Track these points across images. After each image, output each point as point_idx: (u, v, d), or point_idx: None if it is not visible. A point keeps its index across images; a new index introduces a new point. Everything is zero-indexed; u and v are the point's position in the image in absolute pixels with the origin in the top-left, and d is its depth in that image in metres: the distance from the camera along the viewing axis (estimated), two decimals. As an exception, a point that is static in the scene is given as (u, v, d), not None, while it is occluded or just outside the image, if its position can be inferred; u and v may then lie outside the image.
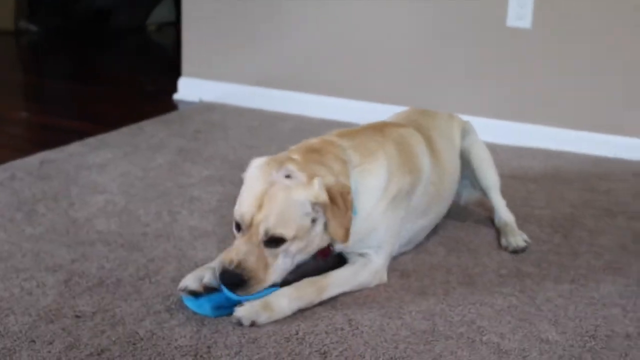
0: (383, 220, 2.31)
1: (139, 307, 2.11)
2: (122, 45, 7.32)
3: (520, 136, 4.05)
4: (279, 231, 2.04)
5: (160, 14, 8.14)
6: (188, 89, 4.86)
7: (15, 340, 1.91)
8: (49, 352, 1.87)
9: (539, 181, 3.43)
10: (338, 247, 2.26)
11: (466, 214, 2.95)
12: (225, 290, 2.05)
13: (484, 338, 2.03)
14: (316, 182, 2.09)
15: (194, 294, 2.09)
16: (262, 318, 2.03)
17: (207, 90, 4.79)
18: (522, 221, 2.86)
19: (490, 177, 2.84)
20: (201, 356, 1.88)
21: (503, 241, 2.67)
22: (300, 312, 2.10)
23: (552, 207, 3.09)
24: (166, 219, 2.77)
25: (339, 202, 2.11)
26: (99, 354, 1.87)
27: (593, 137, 3.96)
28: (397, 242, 2.42)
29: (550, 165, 3.69)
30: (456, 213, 2.92)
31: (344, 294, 2.23)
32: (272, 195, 2.06)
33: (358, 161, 2.29)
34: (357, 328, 2.05)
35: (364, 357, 1.91)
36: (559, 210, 3.06)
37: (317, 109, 4.40)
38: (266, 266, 2.06)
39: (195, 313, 2.07)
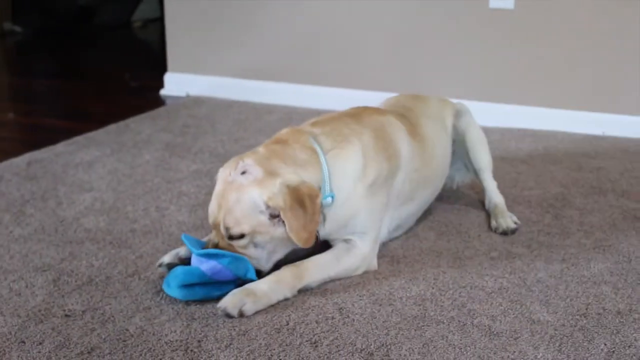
0: (363, 206, 2.29)
1: (128, 304, 2.10)
2: (107, 42, 7.29)
3: (508, 117, 4.05)
4: (235, 230, 2.09)
5: (145, 10, 8.12)
6: (174, 84, 4.85)
7: (4, 342, 1.90)
8: (39, 352, 1.86)
9: (528, 162, 3.43)
10: (322, 233, 2.25)
11: (456, 197, 2.95)
12: (195, 257, 2.09)
13: (475, 321, 2.03)
14: (277, 183, 2.08)
15: (170, 267, 2.18)
16: (248, 305, 2.03)
17: (193, 84, 4.78)
18: (512, 202, 2.86)
19: (483, 158, 2.83)
20: (192, 350, 1.87)
21: (493, 223, 2.66)
22: (291, 303, 2.10)
23: (541, 187, 3.08)
24: (154, 215, 2.76)
25: (306, 204, 2.09)
26: (89, 352, 1.86)
27: (581, 115, 3.96)
28: (381, 228, 2.40)
29: (539, 146, 3.69)
30: (446, 196, 2.92)
31: (333, 282, 2.22)
32: (227, 194, 2.11)
33: (330, 146, 2.27)
34: (348, 316, 2.04)
35: (355, 345, 1.90)
36: (549, 190, 3.06)
37: (305, 98, 4.39)
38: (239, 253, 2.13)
39: (185, 307, 2.06)
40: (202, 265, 2.07)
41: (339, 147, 2.28)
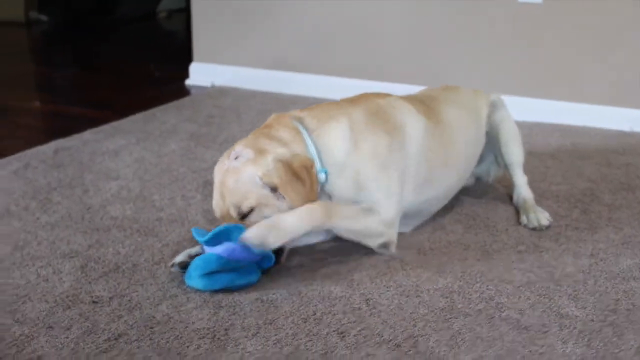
0: (370, 178, 2.29)
1: (155, 292, 2.10)
2: (132, 32, 7.32)
3: (536, 112, 4.01)
4: (243, 206, 2.14)
5: (170, 1, 8.14)
6: (200, 75, 4.86)
7: (33, 327, 1.91)
8: (67, 337, 1.87)
9: (557, 157, 3.40)
10: (336, 194, 2.29)
11: (483, 191, 2.93)
12: (206, 247, 2.09)
13: (503, 314, 2.01)
14: (269, 159, 2.14)
15: (183, 267, 2.17)
16: (271, 238, 2.05)
17: (218, 75, 4.79)
18: (540, 197, 2.84)
19: (515, 153, 2.80)
20: (219, 338, 1.87)
21: (523, 218, 2.63)
22: (317, 293, 2.09)
23: (569, 183, 3.06)
24: (180, 204, 2.76)
25: (302, 176, 2.14)
26: (116, 339, 1.87)
27: (610, 111, 3.92)
28: (399, 202, 2.35)
29: (567, 141, 3.66)
30: (473, 190, 2.90)
31: (359, 273, 2.21)
32: (225, 181, 2.16)
33: (314, 126, 2.30)
34: (375, 307, 2.03)
35: (382, 336, 1.89)
36: (577, 185, 3.03)
37: (328, 90, 4.38)
38: None
39: (212, 295, 2.06)
40: (216, 249, 2.08)
41: (324, 127, 2.30)
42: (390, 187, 2.32)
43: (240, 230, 2.07)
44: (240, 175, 2.14)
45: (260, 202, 2.14)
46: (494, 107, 2.82)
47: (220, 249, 2.07)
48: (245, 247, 2.07)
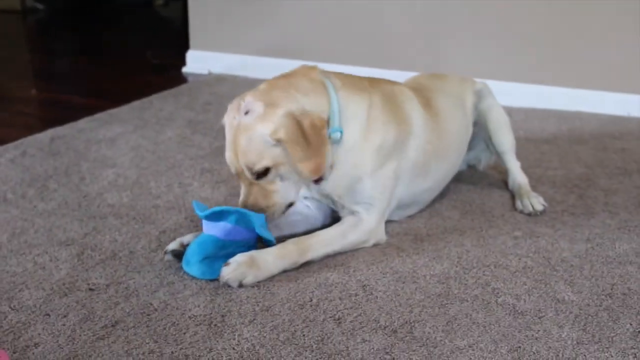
0: (371, 171, 2.28)
1: (152, 279, 2.11)
2: (129, 20, 7.29)
3: (532, 98, 4.02)
4: (257, 167, 2.10)
5: (167, -12, 8.12)
6: (197, 62, 4.85)
7: (30, 314, 1.91)
8: (64, 325, 1.87)
9: (553, 142, 3.40)
10: (328, 186, 2.26)
11: (479, 177, 2.93)
12: (204, 222, 2.09)
13: (499, 300, 2.02)
14: (279, 114, 2.07)
15: (176, 255, 2.16)
16: (249, 278, 2.05)
17: (215, 62, 4.78)
18: (536, 182, 2.84)
19: (506, 141, 2.80)
20: (215, 325, 1.87)
21: (518, 204, 2.64)
22: (314, 280, 2.10)
23: (566, 168, 3.06)
24: (177, 191, 2.76)
25: (308, 134, 2.08)
26: (113, 326, 1.87)
27: (606, 96, 3.92)
28: (391, 199, 2.37)
29: (563, 126, 3.66)
30: (469, 176, 2.90)
31: (356, 260, 2.22)
32: (237, 139, 2.11)
33: (340, 86, 2.25)
34: (371, 293, 2.04)
35: (378, 322, 1.90)
36: (573, 170, 3.03)
37: (327, 77, 4.37)
38: (271, 194, 2.14)
39: (208, 282, 2.06)
40: (213, 230, 2.08)
41: (351, 92, 2.26)
42: (385, 184, 2.32)
43: (240, 214, 2.08)
44: (251, 134, 2.08)
45: (276, 161, 2.10)
46: (480, 95, 2.82)
47: (216, 230, 2.07)
48: (242, 227, 2.08)
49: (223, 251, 2.08)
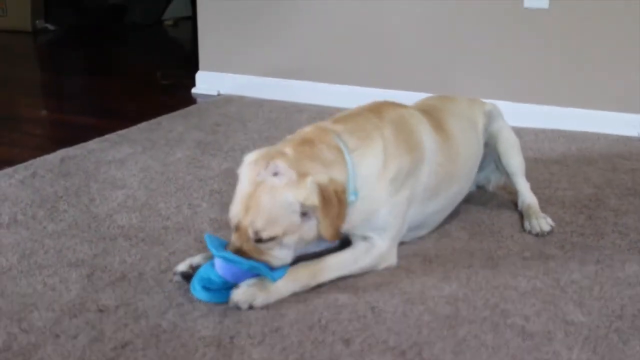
0: (385, 201, 2.29)
1: (161, 300, 2.11)
2: (138, 41, 7.34)
3: (541, 118, 4.01)
4: (266, 233, 2.06)
5: (176, 9, 8.17)
6: (206, 83, 4.87)
7: (40, 335, 1.92)
8: (74, 346, 1.87)
9: (562, 162, 3.40)
10: (344, 228, 2.22)
11: (488, 198, 2.93)
12: (217, 260, 2.08)
13: (508, 321, 2.01)
14: (308, 182, 2.06)
15: (185, 277, 2.16)
16: (259, 300, 2.05)
17: (224, 83, 4.80)
18: (545, 203, 2.84)
19: (515, 162, 2.80)
20: (224, 346, 1.88)
21: (526, 225, 2.64)
22: (322, 301, 2.09)
23: (575, 188, 3.06)
24: (187, 212, 2.77)
25: (332, 201, 2.08)
26: (122, 347, 1.87)
27: (615, 116, 3.92)
28: (403, 224, 2.38)
29: (573, 147, 3.66)
30: (478, 197, 2.90)
31: (365, 281, 2.22)
32: (259, 197, 2.06)
33: (354, 145, 2.25)
34: (380, 315, 2.04)
35: (387, 343, 1.90)
36: (583, 191, 3.03)
37: (334, 98, 4.38)
38: (266, 251, 2.10)
39: (217, 304, 2.06)
40: (222, 270, 2.07)
41: (364, 146, 2.27)
42: (399, 210, 2.33)
43: (251, 267, 2.07)
44: (278, 196, 2.05)
45: (286, 230, 2.07)
46: (490, 117, 2.83)
47: (225, 271, 2.07)
48: (251, 272, 2.08)
49: (225, 287, 2.08)
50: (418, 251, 2.44)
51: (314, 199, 2.05)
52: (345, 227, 2.24)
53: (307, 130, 2.30)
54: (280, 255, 2.12)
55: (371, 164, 2.27)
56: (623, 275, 2.29)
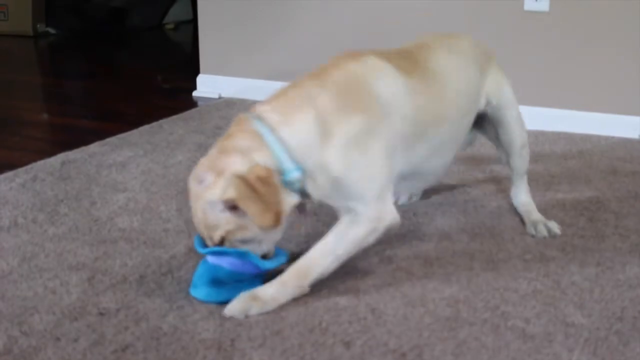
0: (347, 169, 2.12)
1: (162, 303, 2.11)
2: (139, 44, 7.35)
3: (542, 120, 4.02)
4: (215, 238, 2.08)
5: (177, 12, 8.17)
6: (207, 86, 4.88)
7: (40, 339, 1.92)
8: (74, 349, 1.88)
9: (562, 165, 3.40)
10: (316, 202, 2.18)
11: (488, 200, 2.93)
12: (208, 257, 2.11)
13: (509, 323, 2.01)
14: (225, 177, 2.03)
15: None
16: (253, 310, 2.04)
17: (226, 86, 4.80)
18: (546, 205, 2.84)
19: (522, 163, 2.80)
20: (225, 349, 1.88)
21: (531, 229, 2.62)
22: (323, 304, 2.09)
23: (576, 191, 3.06)
24: (187, 215, 2.75)
25: (257, 187, 2.01)
26: (123, 350, 1.87)
27: (616, 118, 3.92)
28: (387, 177, 2.20)
29: (573, 149, 3.66)
30: (478, 198, 2.91)
31: (365, 283, 2.22)
32: (195, 210, 2.10)
33: (277, 121, 2.12)
34: (380, 317, 2.04)
35: (387, 346, 1.90)
36: (583, 193, 3.03)
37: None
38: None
39: (218, 306, 2.07)
40: (220, 262, 2.09)
41: (289, 121, 2.13)
42: (373, 171, 2.17)
43: (238, 254, 2.09)
44: (203, 202, 2.06)
45: (228, 229, 2.06)
46: (498, 85, 2.74)
47: (224, 262, 2.08)
48: (251, 262, 2.08)
49: (232, 278, 2.09)
50: (418, 253, 2.44)
51: (230, 192, 2.01)
52: (320, 197, 2.16)
53: (233, 122, 2.23)
54: (254, 249, 2.12)
55: (303, 133, 2.11)
56: (624, 278, 2.29)
